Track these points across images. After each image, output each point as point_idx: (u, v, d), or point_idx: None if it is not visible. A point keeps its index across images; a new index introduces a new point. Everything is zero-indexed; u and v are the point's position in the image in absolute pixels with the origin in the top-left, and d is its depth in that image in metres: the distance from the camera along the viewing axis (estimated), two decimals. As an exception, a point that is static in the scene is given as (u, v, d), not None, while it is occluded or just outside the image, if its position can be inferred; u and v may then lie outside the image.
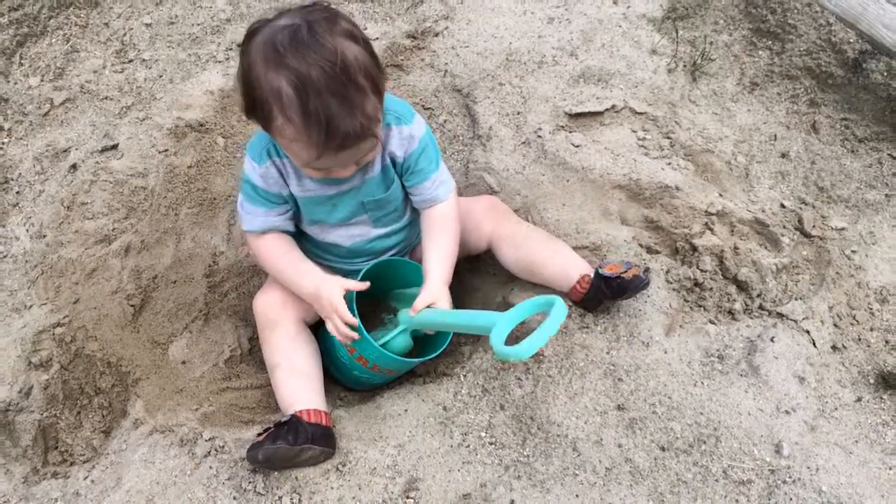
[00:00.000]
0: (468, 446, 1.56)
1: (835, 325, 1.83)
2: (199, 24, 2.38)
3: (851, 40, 2.22)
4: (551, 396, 1.59)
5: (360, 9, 2.45)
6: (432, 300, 1.57)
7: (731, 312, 1.79)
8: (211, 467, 1.53)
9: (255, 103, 1.37)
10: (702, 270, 1.82)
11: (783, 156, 2.19)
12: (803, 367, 1.69)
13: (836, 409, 1.67)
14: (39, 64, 2.29)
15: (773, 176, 2.14)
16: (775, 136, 2.22)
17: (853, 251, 1.98)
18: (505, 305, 1.86)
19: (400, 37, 2.33)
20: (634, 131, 2.09)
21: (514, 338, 1.74)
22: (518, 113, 2.11)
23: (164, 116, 2.12)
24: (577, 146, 2.01)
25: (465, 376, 1.70)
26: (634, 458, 1.51)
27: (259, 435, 1.52)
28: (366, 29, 2.33)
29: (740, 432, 1.53)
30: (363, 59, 1.34)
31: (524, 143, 2.05)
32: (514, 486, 1.49)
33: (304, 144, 1.35)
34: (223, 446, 1.58)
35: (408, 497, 1.48)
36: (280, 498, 1.47)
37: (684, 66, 2.27)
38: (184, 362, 1.94)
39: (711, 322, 1.77)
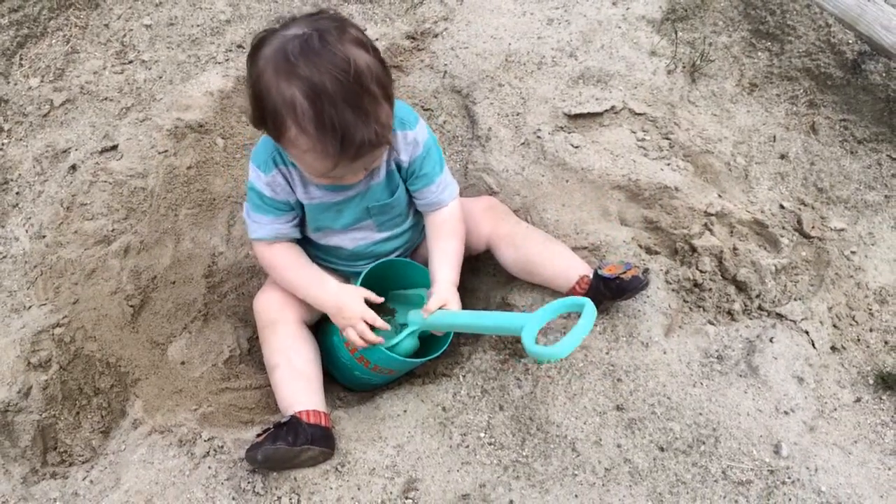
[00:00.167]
0: (467, 447, 1.56)
1: (834, 326, 1.83)
2: (198, 26, 2.38)
3: (850, 41, 2.22)
4: (550, 397, 1.59)
5: (360, 10, 2.45)
6: (443, 302, 1.58)
7: (730, 313, 1.80)
8: (210, 468, 1.53)
9: (265, 114, 1.35)
10: (701, 271, 1.82)
11: (782, 157, 2.19)
12: (802, 367, 1.69)
13: (835, 409, 1.67)
14: (39, 65, 2.29)
15: (772, 177, 2.14)
16: (774, 137, 2.22)
17: (852, 252, 1.98)
18: (505, 305, 1.86)
19: (399, 38, 2.34)
20: (634, 132, 2.09)
21: (512, 342, 1.75)
22: (517, 114, 2.11)
23: (164, 117, 2.12)
24: (577, 147, 2.01)
25: (464, 377, 1.70)
26: (633, 459, 1.51)
27: (258, 435, 1.52)
28: (366, 30, 2.34)
29: (739, 433, 1.53)
30: (374, 67, 1.33)
31: (523, 143, 2.05)
32: (513, 487, 1.49)
33: (319, 155, 1.34)
34: (222, 447, 1.58)
35: (407, 497, 1.48)
36: (279, 498, 1.47)
37: (683, 67, 2.27)
38: (183, 363, 1.94)
39: (710, 323, 1.77)
